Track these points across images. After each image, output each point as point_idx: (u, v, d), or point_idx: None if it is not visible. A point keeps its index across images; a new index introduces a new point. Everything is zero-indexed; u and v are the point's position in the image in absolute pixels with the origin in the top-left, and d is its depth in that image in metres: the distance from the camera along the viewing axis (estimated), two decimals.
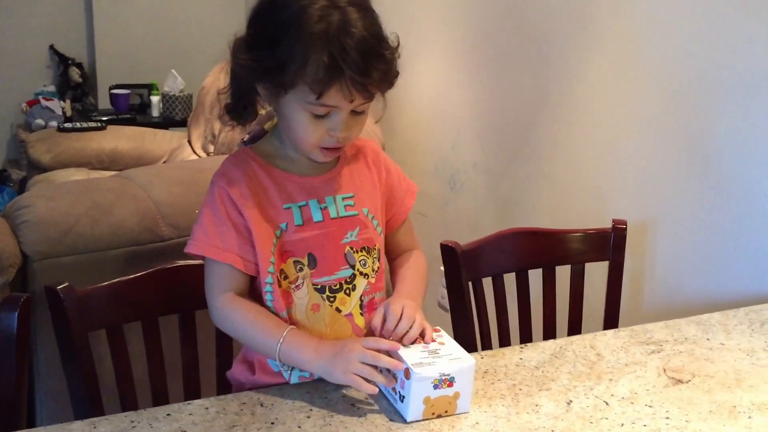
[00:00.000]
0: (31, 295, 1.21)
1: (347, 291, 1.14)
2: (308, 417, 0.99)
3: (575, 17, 2.00)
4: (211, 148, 3.31)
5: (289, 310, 1.12)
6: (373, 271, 1.16)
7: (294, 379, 1.11)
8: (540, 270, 1.60)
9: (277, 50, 1.02)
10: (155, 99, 4.05)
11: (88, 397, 1.19)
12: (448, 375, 0.99)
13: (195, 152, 3.25)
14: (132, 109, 4.07)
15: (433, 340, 1.05)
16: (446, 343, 1.05)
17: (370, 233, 1.16)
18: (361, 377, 0.99)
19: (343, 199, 1.15)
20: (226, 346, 1.32)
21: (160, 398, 1.25)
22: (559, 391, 1.08)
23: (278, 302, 1.11)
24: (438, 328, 1.09)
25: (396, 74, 1.07)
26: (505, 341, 1.55)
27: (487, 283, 1.57)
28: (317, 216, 1.12)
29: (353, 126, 1.08)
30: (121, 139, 3.58)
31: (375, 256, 1.17)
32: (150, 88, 4.11)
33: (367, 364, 1.00)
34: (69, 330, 1.19)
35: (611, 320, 1.64)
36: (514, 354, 1.19)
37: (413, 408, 0.99)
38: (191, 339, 1.33)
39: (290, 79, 1.02)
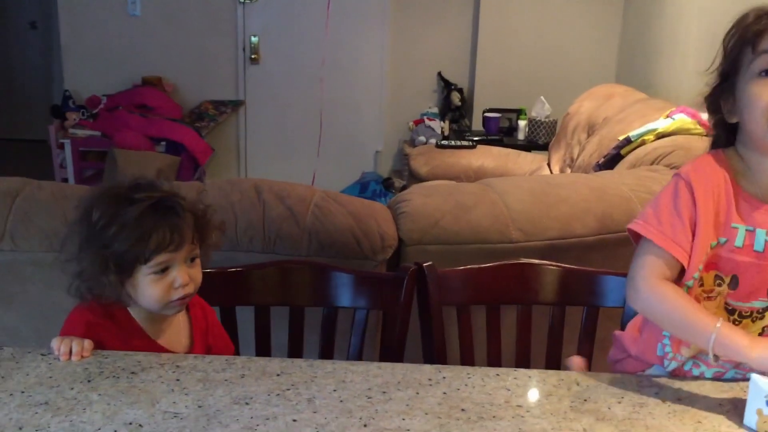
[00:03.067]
0: (420, 267, 1.50)
1: (754, 318, 1.17)
2: (619, 402, 1.08)
3: None
4: (568, 171, 3.46)
5: None
6: None
7: (706, 373, 1.18)
8: None
9: (724, 60, 1.15)
10: (522, 123, 4.34)
11: (437, 352, 1.44)
12: None
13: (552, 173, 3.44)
14: (501, 131, 4.42)
15: None
16: None
17: None
18: None
19: None
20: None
21: None
22: None
23: None
24: None
25: None
26: None
27: None
28: (759, 246, 1.12)
29: None
30: (488, 157, 3.93)
31: None
32: (519, 112, 4.42)
33: None
34: (428, 300, 1.45)
35: None
36: None
37: (748, 413, 1.03)
38: (526, 327, 1.51)
39: (735, 60, 1.13)
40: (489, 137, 4.32)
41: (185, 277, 1.24)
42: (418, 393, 1.09)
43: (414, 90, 4.81)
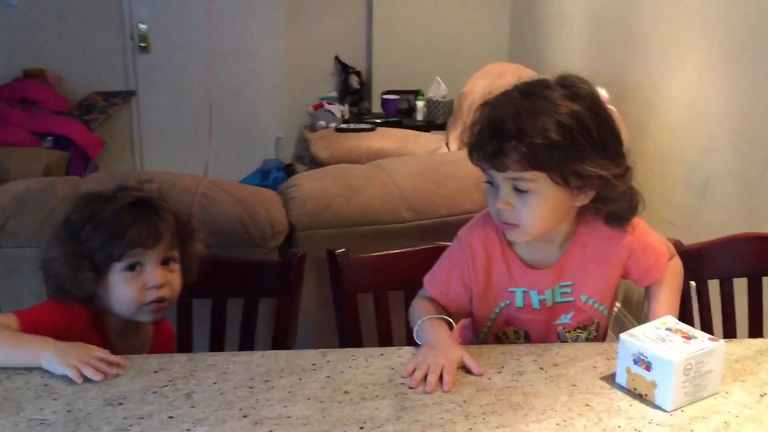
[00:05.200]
0: (305, 254, 1.48)
1: None
2: (498, 372, 1.10)
3: None
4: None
5: None
6: (586, 340, 1.27)
7: None
8: None
9: None
10: (420, 104, 4.37)
11: (351, 340, 1.42)
12: (646, 357, 1.03)
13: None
14: (399, 113, 4.44)
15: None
16: (693, 339, 1.04)
17: (589, 314, 1.27)
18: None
19: (561, 287, 1.24)
20: None
21: None
22: (754, 384, 1.07)
23: None
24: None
25: (563, 149, 1.10)
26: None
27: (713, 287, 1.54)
28: (535, 304, 1.24)
29: (517, 205, 1.13)
30: (388, 139, 3.94)
31: (593, 329, 1.28)
32: (416, 93, 4.44)
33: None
34: (342, 289, 1.44)
35: None
36: None
37: (619, 372, 1.07)
38: None
39: None
40: (388, 119, 4.33)
41: (159, 277, 1.21)
42: (301, 379, 1.07)
43: (312, 74, 4.76)
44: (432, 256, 1.33)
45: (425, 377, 1.06)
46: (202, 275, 1.34)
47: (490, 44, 4.59)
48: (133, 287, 1.21)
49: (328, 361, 1.13)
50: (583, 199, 1.17)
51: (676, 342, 1.05)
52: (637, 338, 1.06)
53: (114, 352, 1.12)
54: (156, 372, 1.08)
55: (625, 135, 2.33)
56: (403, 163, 2.02)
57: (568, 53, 3.62)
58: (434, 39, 4.61)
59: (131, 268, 1.21)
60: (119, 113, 4.68)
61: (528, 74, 3.51)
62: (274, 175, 4.36)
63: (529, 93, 1.13)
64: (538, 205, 1.13)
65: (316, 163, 4.04)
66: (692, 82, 2.51)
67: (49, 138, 4.21)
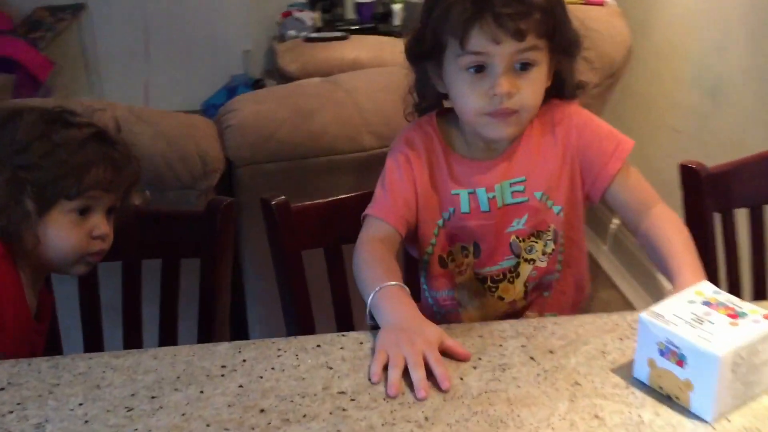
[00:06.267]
0: (235, 201, 1.18)
1: (510, 279, 1.09)
2: (475, 368, 0.82)
3: None
4: None
5: (451, 291, 1.11)
6: (543, 254, 1.08)
7: None
8: None
9: (429, 21, 0.99)
10: (397, 7, 3.95)
11: (299, 313, 1.14)
12: (677, 348, 0.74)
13: None
14: (375, 18, 4.03)
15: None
16: (741, 317, 0.76)
17: (543, 216, 1.07)
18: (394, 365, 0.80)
19: (512, 184, 1.06)
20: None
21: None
22: None
23: (436, 282, 1.10)
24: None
25: (558, 9, 0.98)
26: (761, 293, 1.23)
27: (741, 215, 1.24)
28: (484, 206, 1.06)
29: (521, 85, 0.97)
30: (363, 49, 3.54)
31: (548, 238, 1.08)
32: None
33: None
34: (282, 246, 1.13)
35: None
36: None
37: (638, 364, 0.79)
38: None
39: (440, 37, 0.98)
40: (363, 26, 3.92)
41: (106, 227, 1.06)
42: (202, 392, 0.78)
43: None
44: None
45: (402, 375, 0.78)
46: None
47: None
48: (79, 233, 1.03)
49: (244, 361, 0.83)
50: (550, 77, 1.04)
51: (718, 324, 0.75)
52: (665, 319, 0.76)
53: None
54: (2, 390, 0.79)
55: (624, 32, 2.00)
56: (364, 78, 1.67)
57: None
58: None
59: (82, 211, 1.03)
60: (68, 30, 4.24)
61: None
62: (241, 92, 3.97)
63: None
64: (539, 82, 1.00)
65: (285, 78, 3.64)
66: None
67: None
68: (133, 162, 1.10)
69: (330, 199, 1.19)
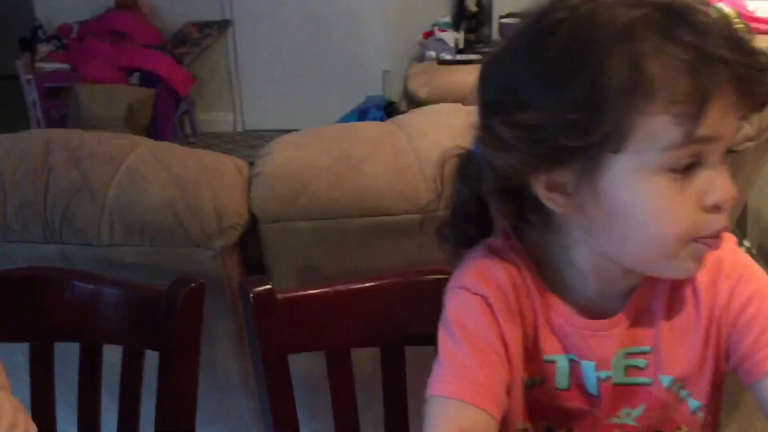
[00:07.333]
0: (205, 284, 0.93)
1: None
2: None
3: None
4: None
5: None
6: None
7: None
8: None
9: (567, 92, 0.61)
10: None
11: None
12: None
13: None
14: None
15: None
16: None
17: (670, 413, 0.73)
18: None
19: (628, 355, 0.72)
20: None
21: None
22: None
23: None
24: None
25: None
26: None
27: None
28: (591, 386, 0.72)
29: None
30: None
31: None
32: None
33: None
34: (261, 348, 0.88)
35: None
36: None
37: None
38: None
39: (613, 127, 0.60)
40: None
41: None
42: None
43: None
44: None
45: None
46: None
47: None
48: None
49: None
50: None
51: None
52: None
53: None
54: None
55: None
56: (434, 121, 1.36)
57: None
58: None
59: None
60: (215, 46, 4.28)
61: None
62: (372, 116, 3.77)
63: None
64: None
65: (414, 102, 3.41)
66: None
67: (137, 74, 3.91)
68: None
69: (337, 287, 0.91)
